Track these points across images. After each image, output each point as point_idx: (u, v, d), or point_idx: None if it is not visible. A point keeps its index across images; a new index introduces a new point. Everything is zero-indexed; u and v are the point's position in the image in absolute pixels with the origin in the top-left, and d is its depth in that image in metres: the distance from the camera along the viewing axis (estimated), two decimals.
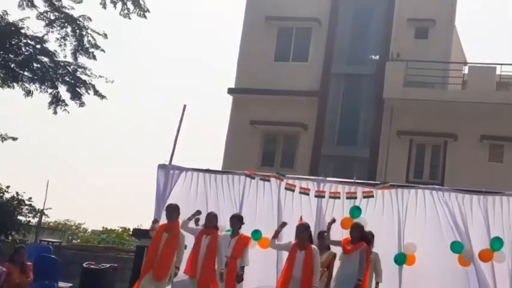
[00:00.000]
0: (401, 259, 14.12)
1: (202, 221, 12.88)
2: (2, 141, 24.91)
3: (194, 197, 15.35)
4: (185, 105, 15.91)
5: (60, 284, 15.91)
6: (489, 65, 26.61)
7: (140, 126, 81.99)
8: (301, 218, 14.18)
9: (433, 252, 14.01)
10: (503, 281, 13.80)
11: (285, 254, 12.76)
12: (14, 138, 25.11)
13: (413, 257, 14.14)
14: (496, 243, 13.84)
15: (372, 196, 14.96)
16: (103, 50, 24.84)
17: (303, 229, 11.99)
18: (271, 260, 14.38)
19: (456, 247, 14.03)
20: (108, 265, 12.92)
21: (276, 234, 12.52)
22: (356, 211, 14.55)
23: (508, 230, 14.00)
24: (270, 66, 28.34)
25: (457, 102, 25.84)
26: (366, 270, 11.79)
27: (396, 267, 14.16)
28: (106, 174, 76.50)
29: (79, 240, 40.94)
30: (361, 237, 12.19)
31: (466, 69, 27.95)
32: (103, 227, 43.15)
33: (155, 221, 12.22)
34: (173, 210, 12.23)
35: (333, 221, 12.88)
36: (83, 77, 24.68)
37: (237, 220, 13.24)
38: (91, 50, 24.64)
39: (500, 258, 13.78)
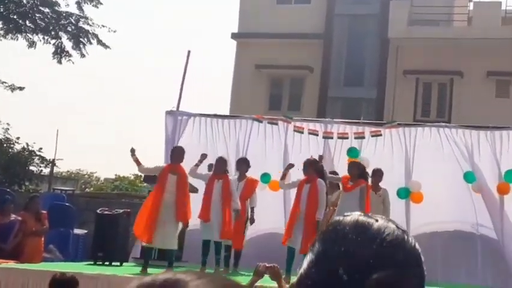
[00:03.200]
0: (403, 193, 14.33)
1: (204, 165, 12.88)
2: (12, 91, 25.03)
3: (203, 142, 15.50)
4: (189, 51, 15.98)
5: (76, 230, 16.20)
6: (494, 1, 26.41)
7: (146, 75, 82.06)
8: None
9: (440, 187, 14.23)
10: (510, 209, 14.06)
11: (293, 196, 12.95)
12: (21, 88, 25.21)
13: (419, 194, 14.32)
14: (509, 175, 14.03)
15: (380, 135, 15.11)
16: None
17: (308, 163, 12.11)
18: (279, 202, 14.59)
19: (469, 177, 14.26)
20: (122, 211, 13.07)
21: (284, 176, 12.64)
22: (353, 152, 14.67)
23: None
24: (273, 9, 28.14)
25: (462, 39, 25.69)
26: (367, 207, 11.94)
27: (402, 201, 14.38)
28: (115, 122, 76.83)
29: (92, 189, 41.29)
30: (360, 174, 12.32)
31: (471, 6, 27.71)
32: (115, 175, 43.49)
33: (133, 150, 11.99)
34: (181, 152, 12.15)
35: (321, 158, 12.91)
36: (86, 27, 24.64)
37: (243, 163, 13.35)
38: None
39: None
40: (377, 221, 1.40)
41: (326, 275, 1.34)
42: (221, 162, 12.44)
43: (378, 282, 1.30)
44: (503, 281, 13.62)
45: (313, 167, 12.13)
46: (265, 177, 14.58)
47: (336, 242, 1.37)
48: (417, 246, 1.40)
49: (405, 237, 1.39)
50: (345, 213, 1.45)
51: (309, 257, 1.40)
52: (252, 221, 13.19)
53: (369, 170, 14.50)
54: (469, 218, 14.43)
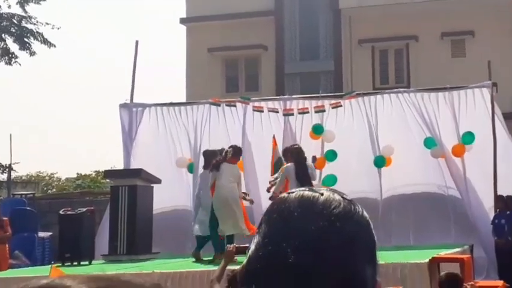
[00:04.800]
0: (380, 161, 14.43)
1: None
2: None
3: (162, 131, 15.34)
4: (137, 42, 15.80)
5: (40, 233, 15.95)
6: None
7: (97, 69, 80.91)
8: (274, 137, 14.27)
9: (407, 151, 14.29)
10: (472, 170, 14.11)
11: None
12: None
13: (390, 159, 14.42)
14: (467, 137, 14.07)
15: (341, 106, 15.09)
16: None
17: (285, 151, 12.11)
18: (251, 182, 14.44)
19: (429, 142, 14.30)
20: (85, 209, 12.85)
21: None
22: (317, 129, 14.65)
23: (477, 118, 14.23)
24: None
25: (413, 3, 25.68)
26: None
27: (375, 169, 14.44)
28: (70, 121, 75.89)
29: (54, 190, 40.89)
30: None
31: None
32: (77, 174, 43.08)
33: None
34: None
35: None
36: (30, 26, 24.17)
37: (209, 155, 12.96)
38: None
39: (470, 150, 14.07)
40: (322, 194, 1.33)
41: (274, 257, 1.26)
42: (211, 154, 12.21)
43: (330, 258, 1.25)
44: (473, 239, 13.71)
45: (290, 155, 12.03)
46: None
47: (282, 220, 1.30)
48: (365, 214, 1.34)
49: (352, 207, 1.32)
50: (290, 190, 1.37)
51: (256, 239, 1.33)
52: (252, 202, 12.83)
53: (335, 143, 14.50)
54: (436, 180, 14.51)
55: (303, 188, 1.36)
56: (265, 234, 1.32)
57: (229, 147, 12.01)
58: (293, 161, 11.89)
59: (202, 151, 13.45)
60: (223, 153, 11.77)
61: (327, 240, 1.26)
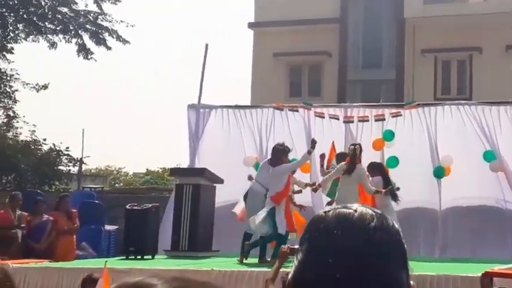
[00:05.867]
0: (440, 172, 14.52)
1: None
2: (37, 91, 25.39)
3: (227, 132, 15.74)
4: (207, 44, 16.18)
5: (107, 226, 16.47)
6: None
7: (167, 69, 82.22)
8: (333, 144, 14.50)
9: (466, 163, 14.34)
10: None
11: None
12: (45, 86, 25.53)
13: (449, 169, 14.50)
14: None
15: (401, 115, 15.22)
16: None
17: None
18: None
19: (489, 156, 14.35)
20: (150, 205, 13.32)
21: (321, 159, 13.08)
22: (389, 135, 14.86)
23: None
24: None
25: (478, 14, 25.60)
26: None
27: (434, 179, 14.54)
28: (139, 118, 77.25)
29: (121, 184, 41.67)
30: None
31: None
32: (147, 169, 43.68)
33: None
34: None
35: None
36: (105, 23, 24.88)
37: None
38: None
39: None
40: (356, 210, 1.47)
41: (322, 273, 1.41)
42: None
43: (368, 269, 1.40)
44: None
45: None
46: (292, 161, 14.76)
47: (324, 238, 1.44)
48: (396, 225, 1.49)
49: (384, 220, 1.48)
50: (325, 209, 1.54)
51: (299, 256, 1.46)
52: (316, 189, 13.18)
53: (395, 152, 14.71)
54: (494, 194, 14.51)
55: (337, 206, 1.51)
56: (308, 251, 1.45)
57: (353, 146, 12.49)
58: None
59: (269, 150, 13.81)
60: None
61: (367, 253, 1.40)
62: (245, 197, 12.85)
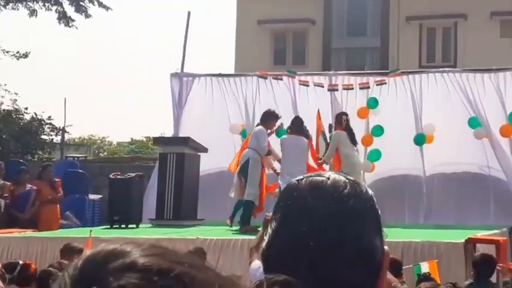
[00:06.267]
0: (420, 139, 14.56)
1: None
2: (17, 59, 25.11)
3: (211, 100, 15.66)
4: (189, 12, 16.06)
5: (91, 196, 16.45)
6: None
7: (149, 36, 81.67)
8: (318, 112, 14.47)
9: (450, 130, 14.38)
10: None
11: None
12: (26, 55, 25.24)
13: (431, 137, 14.53)
14: None
15: (385, 83, 15.20)
16: None
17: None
18: None
19: (473, 122, 14.37)
20: (134, 174, 13.28)
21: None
22: (373, 102, 14.85)
23: None
24: None
25: None
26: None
27: (418, 146, 14.59)
28: (122, 86, 76.83)
29: (105, 153, 41.48)
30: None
31: None
32: (131, 138, 43.57)
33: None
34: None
35: None
36: None
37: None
38: None
39: None
40: (328, 178, 1.47)
41: (296, 240, 1.40)
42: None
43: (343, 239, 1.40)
44: None
45: None
46: (281, 132, 14.73)
47: (297, 206, 1.43)
48: (369, 191, 1.49)
49: (357, 186, 1.47)
50: (298, 177, 1.52)
51: (272, 225, 1.46)
52: None
53: (379, 120, 14.73)
54: (478, 160, 14.58)
55: (310, 174, 1.50)
56: (282, 220, 1.44)
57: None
58: (344, 128, 12.45)
59: (255, 118, 13.86)
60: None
61: (341, 218, 1.41)
62: (241, 171, 12.52)
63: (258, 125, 12.80)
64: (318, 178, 1.47)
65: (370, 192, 1.49)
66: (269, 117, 12.46)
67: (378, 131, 14.62)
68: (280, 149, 12.55)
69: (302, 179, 1.48)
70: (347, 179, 1.47)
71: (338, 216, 1.40)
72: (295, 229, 1.40)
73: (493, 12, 25.63)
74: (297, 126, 12.48)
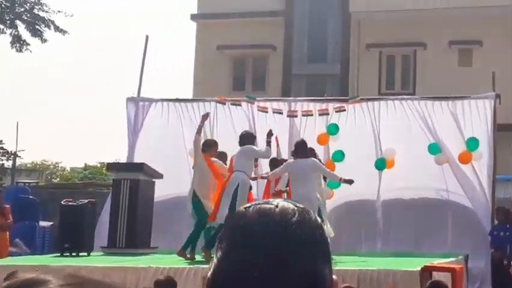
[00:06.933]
0: (381, 164, 14.54)
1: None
2: None
3: (167, 126, 15.45)
4: (147, 36, 15.95)
5: (41, 223, 16.07)
6: None
7: (105, 61, 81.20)
8: (276, 138, 14.35)
9: (408, 155, 14.40)
10: (473, 179, 14.20)
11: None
12: None
13: (392, 162, 14.53)
14: (472, 143, 14.18)
15: (344, 110, 15.18)
16: None
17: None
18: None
19: (433, 148, 14.39)
20: (86, 201, 12.98)
21: (199, 129, 12.50)
22: (333, 128, 14.82)
23: (479, 128, 14.35)
24: None
25: (422, 10, 25.74)
26: None
27: (376, 172, 14.56)
28: (79, 111, 76.08)
29: (58, 179, 40.94)
30: None
31: None
32: (85, 164, 43.18)
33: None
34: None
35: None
36: (41, 13, 24.29)
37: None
38: None
39: (478, 157, 14.16)
40: (277, 206, 1.43)
41: (241, 272, 1.35)
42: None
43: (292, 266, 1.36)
44: (474, 247, 13.76)
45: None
46: None
47: (244, 235, 1.39)
48: (318, 219, 1.45)
49: (306, 214, 1.44)
50: (247, 204, 1.47)
51: (218, 254, 1.41)
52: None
53: (337, 145, 14.65)
54: (437, 185, 14.61)
55: (259, 201, 1.47)
56: (227, 249, 1.40)
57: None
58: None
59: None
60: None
61: (288, 247, 1.37)
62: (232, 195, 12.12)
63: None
64: (266, 206, 1.43)
65: (319, 219, 1.46)
66: (251, 137, 12.30)
67: (339, 156, 14.59)
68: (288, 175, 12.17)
69: (250, 206, 1.44)
70: (296, 206, 1.44)
71: (285, 244, 1.37)
72: (241, 258, 1.36)
73: (452, 41, 25.87)
74: (302, 151, 12.14)
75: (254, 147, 12.13)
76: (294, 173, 11.89)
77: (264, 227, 1.39)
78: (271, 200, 1.47)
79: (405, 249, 13.70)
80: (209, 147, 12.23)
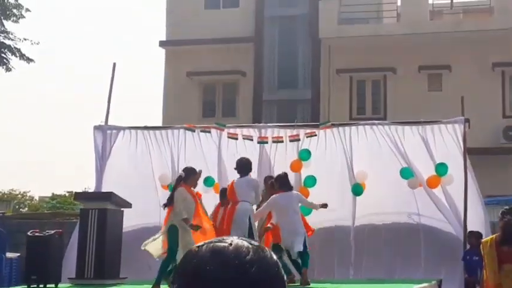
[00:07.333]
0: (357, 189, 14.47)
1: None
2: None
3: (135, 153, 15.29)
4: (114, 64, 15.81)
5: (8, 254, 15.73)
6: None
7: (74, 88, 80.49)
8: None
9: (380, 180, 14.35)
10: (444, 203, 14.16)
11: None
12: None
13: (364, 185, 14.47)
14: (441, 168, 14.17)
15: (315, 135, 15.13)
16: (28, 10, 24.31)
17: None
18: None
19: (405, 173, 14.36)
20: (53, 231, 12.74)
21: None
22: (305, 154, 14.75)
23: (449, 152, 14.35)
24: (201, 14, 27.84)
25: (392, 35, 25.88)
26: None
27: (349, 197, 14.48)
28: (46, 139, 75.37)
29: (26, 209, 40.42)
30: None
31: (399, 2, 27.91)
32: (52, 193, 42.67)
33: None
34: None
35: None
36: (7, 41, 24.05)
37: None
38: (15, 12, 23.96)
39: (448, 181, 14.12)
40: (231, 244, 1.40)
41: None
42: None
43: None
44: (447, 271, 13.71)
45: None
46: (208, 180, 14.53)
47: (196, 275, 1.36)
48: (273, 256, 1.43)
49: (261, 251, 1.41)
50: (201, 243, 1.43)
51: None
52: None
53: (309, 171, 14.55)
54: (408, 209, 14.57)
55: (214, 239, 1.43)
56: None
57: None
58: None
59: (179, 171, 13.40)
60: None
61: (243, 286, 1.34)
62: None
63: (241, 176, 12.33)
64: (220, 244, 1.40)
65: (275, 257, 1.44)
66: (250, 166, 12.38)
67: (311, 181, 14.54)
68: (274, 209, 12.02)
69: (203, 245, 1.41)
70: (251, 244, 1.42)
71: (240, 284, 1.34)
72: None
73: (421, 66, 26.02)
74: (283, 183, 12.02)
75: (259, 184, 12.34)
76: (280, 207, 11.78)
77: (218, 266, 1.35)
78: (225, 237, 1.43)
79: (379, 276, 13.61)
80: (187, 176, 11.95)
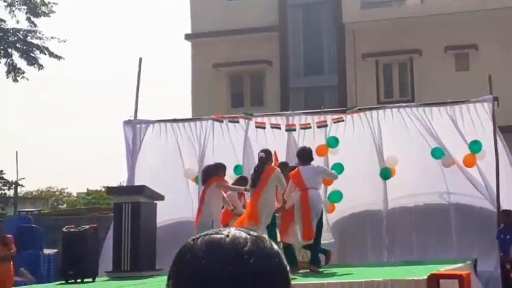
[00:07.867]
0: (386, 173, 14.48)
1: None
2: None
3: (166, 146, 15.46)
4: (140, 59, 15.94)
5: (46, 250, 16.00)
6: None
7: (103, 84, 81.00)
8: (275, 153, 14.28)
9: (410, 162, 14.36)
10: (489, 177, 14.08)
11: None
12: None
13: (394, 170, 14.49)
14: (474, 146, 14.13)
15: (343, 120, 15.15)
16: (55, 3, 24.59)
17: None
18: None
19: (437, 153, 14.35)
20: (88, 226, 12.92)
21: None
22: (333, 141, 14.77)
23: (479, 131, 14.31)
24: (225, 6, 27.93)
25: (416, 17, 25.73)
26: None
27: (379, 181, 14.49)
28: (80, 135, 75.97)
29: (65, 205, 40.80)
30: None
31: None
32: (87, 189, 43.05)
33: None
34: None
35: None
36: (35, 41, 24.33)
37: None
38: (44, 10, 24.26)
39: (481, 158, 14.12)
40: (227, 235, 1.34)
41: None
42: None
43: None
44: (482, 251, 13.68)
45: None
46: (238, 169, 14.64)
47: (190, 271, 1.30)
48: (274, 245, 1.36)
49: (260, 241, 1.35)
50: (198, 235, 1.37)
51: None
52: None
53: (339, 158, 14.57)
54: (437, 188, 14.57)
55: (210, 231, 1.36)
56: (176, 283, 1.31)
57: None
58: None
59: (209, 162, 13.51)
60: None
61: (241, 280, 1.28)
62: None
63: (304, 164, 11.98)
64: (216, 236, 1.33)
65: (275, 246, 1.36)
66: (312, 154, 12.14)
67: (338, 168, 14.50)
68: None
69: (198, 238, 1.34)
70: (249, 234, 1.34)
71: (237, 277, 1.27)
72: None
73: (447, 47, 25.83)
74: (306, 157, 12.03)
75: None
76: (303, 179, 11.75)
77: (214, 260, 1.29)
78: (222, 229, 1.37)
79: (412, 258, 13.62)
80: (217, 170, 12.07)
